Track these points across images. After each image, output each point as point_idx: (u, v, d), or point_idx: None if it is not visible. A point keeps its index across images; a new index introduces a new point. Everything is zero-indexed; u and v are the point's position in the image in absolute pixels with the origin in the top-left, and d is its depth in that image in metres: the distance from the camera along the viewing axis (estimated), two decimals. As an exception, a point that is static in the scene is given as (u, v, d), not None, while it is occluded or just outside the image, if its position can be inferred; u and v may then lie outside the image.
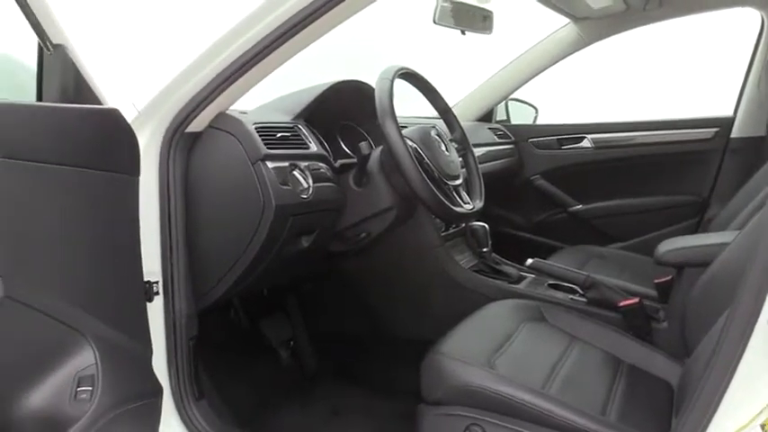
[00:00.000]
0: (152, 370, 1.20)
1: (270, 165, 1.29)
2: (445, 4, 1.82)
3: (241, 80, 1.22)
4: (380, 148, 1.52)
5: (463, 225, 1.98)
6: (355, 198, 1.53)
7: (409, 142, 1.46)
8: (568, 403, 1.12)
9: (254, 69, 1.21)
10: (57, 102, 1.08)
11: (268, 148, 1.31)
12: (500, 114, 2.79)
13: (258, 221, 1.28)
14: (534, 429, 1.10)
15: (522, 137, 2.67)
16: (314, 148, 1.46)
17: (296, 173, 1.36)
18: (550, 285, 1.80)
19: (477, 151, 2.28)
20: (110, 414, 1.04)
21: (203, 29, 1.26)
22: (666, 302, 1.62)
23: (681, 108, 2.77)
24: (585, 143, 2.58)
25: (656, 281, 1.68)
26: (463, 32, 1.80)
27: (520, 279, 1.87)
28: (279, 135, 1.37)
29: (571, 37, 2.44)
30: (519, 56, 2.56)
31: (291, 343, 1.93)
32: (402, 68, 1.49)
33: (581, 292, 1.71)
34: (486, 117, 2.70)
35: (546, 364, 1.27)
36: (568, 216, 2.63)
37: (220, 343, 1.72)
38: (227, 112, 1.32)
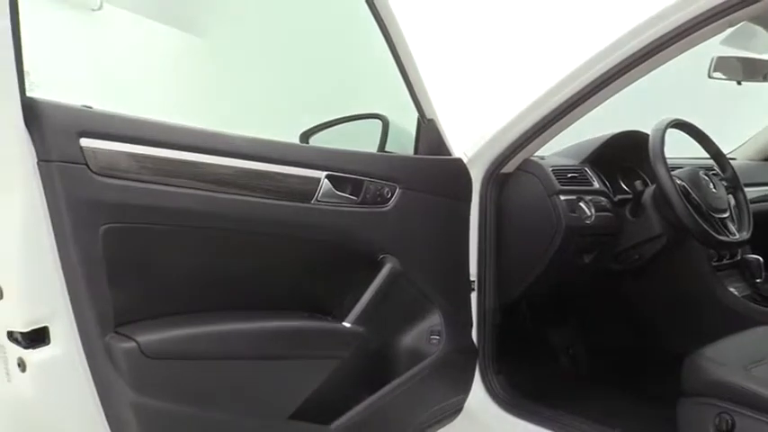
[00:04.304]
0: (471, 337, 1.69)
1: (562, 197, 1.70)
2: (722, 58, 2.01)
3: (546, 133, 1.57)
4: (654, 185, 1.83)
5: (738, 258, 2.13)
6: (630, 226, 1.86)
7: (678, 181, 1.75)
8: None
9: (556, 125, 1.55)
10: (426, 154, 1.61)
11: (561, 185, 1.72)
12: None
13: (551, 238, 1.69)
14: None
15: None
16: (596, 185, 1.84)
17: (581, 204, 1.74)
18: None
19: (760, 190, 2.39)
20: (448, 356, 1.58)
21: (512, 92, 1.71)
22: None
23: None
24: None
25: None
26: (739, 83, 1.98)
27: (796, 310, 1.94)
28: (569, 175, 1.78)
29: None
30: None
31: (570, 350, 2.25)
32: (674, 120, 1.78)
33: None
34: (774, 156, 2.72)
35: None
36: None
37: (511, 338, 2.09)
38: (531, 157, 1.74)
